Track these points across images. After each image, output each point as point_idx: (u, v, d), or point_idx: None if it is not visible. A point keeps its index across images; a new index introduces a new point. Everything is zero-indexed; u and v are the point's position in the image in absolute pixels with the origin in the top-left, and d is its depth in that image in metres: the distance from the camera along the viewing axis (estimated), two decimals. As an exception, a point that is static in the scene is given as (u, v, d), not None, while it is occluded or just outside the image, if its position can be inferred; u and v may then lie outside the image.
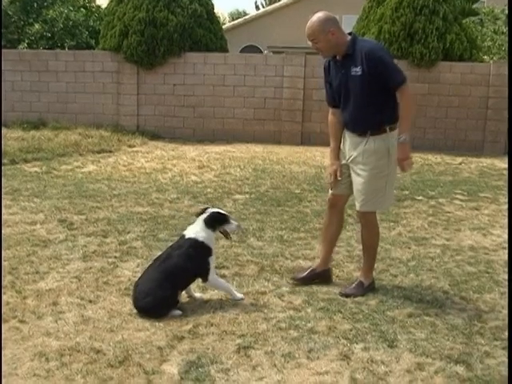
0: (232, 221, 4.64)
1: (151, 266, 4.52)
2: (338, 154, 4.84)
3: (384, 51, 4.58)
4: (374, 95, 4.51)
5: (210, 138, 13.91)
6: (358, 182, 4.68)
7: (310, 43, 4.56)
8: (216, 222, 4.53)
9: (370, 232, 4.86)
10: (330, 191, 4.97)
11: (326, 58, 4.71)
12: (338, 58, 4.59)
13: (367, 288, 4.80)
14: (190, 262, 4.39)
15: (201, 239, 4.45)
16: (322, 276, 5.01)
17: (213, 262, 4.53)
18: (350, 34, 4.60)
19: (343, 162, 4.79)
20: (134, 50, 13.87)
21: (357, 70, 4.45)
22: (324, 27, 4.42)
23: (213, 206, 4.88)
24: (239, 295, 4.59)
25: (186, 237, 4.51)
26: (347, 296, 4.69)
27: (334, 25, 4.47)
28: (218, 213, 4.59)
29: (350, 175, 4.78)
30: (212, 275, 4.48)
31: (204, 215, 4.55)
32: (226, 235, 4.66)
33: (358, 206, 4.74)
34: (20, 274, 4.97)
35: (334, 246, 5.20)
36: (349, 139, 4.73)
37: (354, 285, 4.82)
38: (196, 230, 4.50)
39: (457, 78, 13.58)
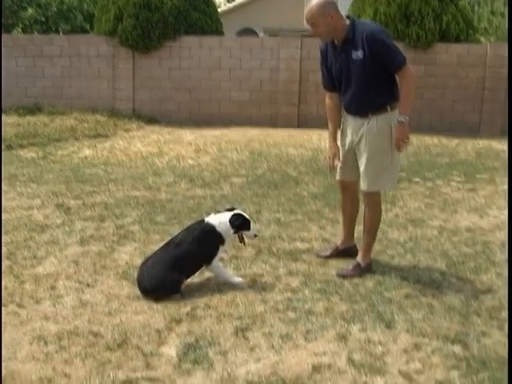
0: (252, 228, 4.71)
1: (163, 248, 4.57)
2: (336, 137, 4.86)
3: (385, 33, 4.56)
4: (374, 77, 4.53)
5: (207, 121, 13.87)
6: (363, 162, 4.71)
7: (309, 27, 4.55)
8: (240, 225, 4.60)
9: (373, 213, 4.89)
10: (337, 177, 5.02)
11: (324, 40, 4.70)
12: (336, 42, 4.59)
13: (364, 269, 4.82)
14: (203, 248, 4.46)
15: (219, 230, 4.53)
16: (345, 253, 5.13)
17: (221, 252, 4.59)
18: (348, 17, 4.58)
19: (347, 147, 4.83)
20: (129, 34, 13.76)
21: (358, 54, 4.45)
22: (323, 11, 4.41)
23: (237, 208, 4.89)
24: (237, 280, 4.61)
25: (206, 221, 4.61)
26: (344, 277, 4.71)
27: (333, 9, 4.45)
28: (245, 218, 4.64)
29: (352, 160, 4.83)
30: (215, 262, 4.52)
31: (231, 214, 4.61)
32: (242, 240, 4.73)
33: (363, 186, 4.78)
34: (18, 259, 4.98)
35: (355, 224, 5.22)
36: (351, 123, 4.76)
37: (351, 266, 4.84)
38: (219, 221, 4.56)
39: (453, 60, 13.52)
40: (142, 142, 11.16)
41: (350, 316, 4.06)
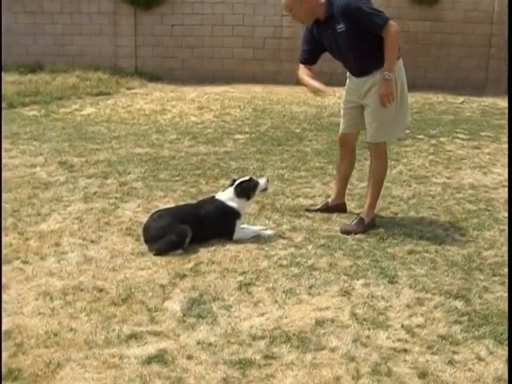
0: (259, 180, 4.74)
1: (178, 206, 4.71)
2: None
3: (357, 0, 4.54)
4: (365, 42, 4.58)
5: (209, 78, 13.73)
6: (368, 113, 4.78)
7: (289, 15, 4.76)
8: (247, 192, 4.64)
9: (379, 165, 4.92)
10: (340, 130, 5.13)
11: (308, 23, 4.83)
12: (320, 20, 4.66)
13: (368, 225, 4.83)
14: (217, 221, 4.53)
15: (230, 204, 4.58)
16: (336, 209, 5.20)
17: (239, 224, 4.62)
18: None
19: (353, 104, 4.93)
20: (130, -10, 13.57)
21: (341, 27, 4.54)
22: None
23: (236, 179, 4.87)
24: (268, 232, 4.70)
25: (216, 197, 4.68)
26: (348, 233, 4.72)
27: None
28: (247, 184, 4.65)
29: (357, 115, 4.91)
30: (237, 234, 4.57)
31: (234, 188, 4.63)
32: (265, 191, 4.82)
33: (369, 137, 4.86)
34: (22, 216, 4.99)
35: (347, 183, 5.33)
36: (356, 81, 4.84)
37: (354, 221, 4.86)
38: (228, 197, 4.61)
39: (459, 16, 13.31)
40: (144, 100, 11.08)
41: (353, 271, 4.09)
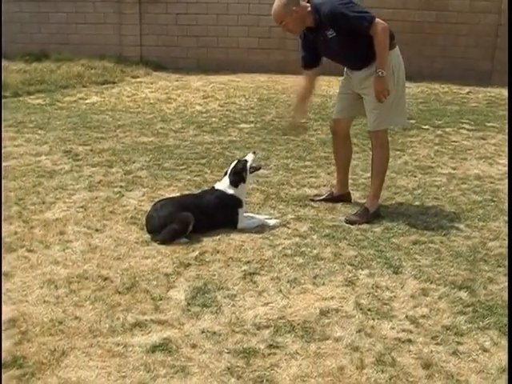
0: (246, 158, 4.74)
1: (180, 195, 4.72)
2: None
3: (341, 5, 4.53)
4: (357, 42, 4.60)
5: (214, 68, 13.70)
6: (367, 102, 4.79)
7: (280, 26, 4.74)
8: (239, 173, 4.64)
9: (381, 153, 4.92)
10: (333, 116, 5.21)
11: (298, 34, 4.89)
12: (311, 27, 4.69)
13: (372, 215, 4.82)
14: (219, 210, 4.54)
15: (230, 192, 4.60)
16: (340, 199, 5.22)
17: (242, 212, 4.63)
18: (308, 1, 4.65)
19: (349, 91, 4.96)
20: (134, -22, 13.53)
21: (331, 33, 4.59)
22: (287, 9, 4.59)
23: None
24: (273, 221, 4.71)
25: (216, 188, 4.69)
26: (352, 223, 4.72)
27: (294, 3, 4.60)
28: (238, 168, 4.65)
29: (352, 102, 4.96)
30: (241, 223, 4.59)
31: (228, 177, 4.66)
32: (258, 169, 4.84)
33: (370, 125, 4.86)
34: (27, 205, 5.00)
35: (348, 171, 5.33)
36: (354, 72, 4.87)
37: (359, 212, 4.85)
38: (226, 185, 4.63)
39: (466, 5, 13.19)
40: (149, 89, 11.07)
41: (357, 261, 4.08)
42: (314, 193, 5.42)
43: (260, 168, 4.89)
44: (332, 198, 5.21)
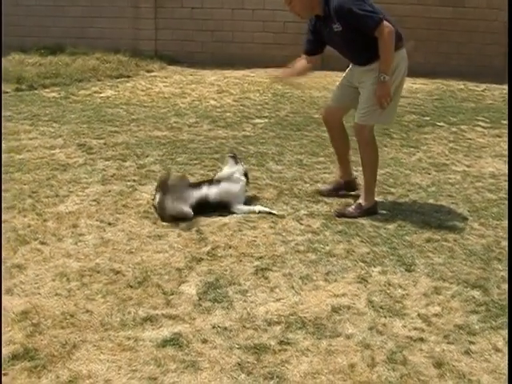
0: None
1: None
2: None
3: (350, 0, 4.51)
4: (362, 39, 4.58)
5: (229, 62, 13.67)
6: (361, 95, 4.79)
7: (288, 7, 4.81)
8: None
9: (365, 148, 4.86)
10: (327, 103, 5.32)
11: (305, 18, 4.98)
12: (319, 16, 4.72)
13: (366, 211, 4.80)
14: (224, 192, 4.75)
15: (236, 174, 4.89)
16: (347, 186, 5.28)
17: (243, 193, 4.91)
18: None
19: (348, 83, 5.01)
20: (150, -28, 13.52)
21: (337, 27, 4.56)
22: None
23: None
24: (258, 208, 4.85)
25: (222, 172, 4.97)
26: (342, 216, 4.75)
27: None
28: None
29: (349, 94, 4.98)
30: (240, 205, 4.81)
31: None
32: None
33: (357, 118, 4.83)
34: (40, 198, 5.02)
35: (347, 159, 5.32)
36: (356, 67, 4.88)
37: (353, 206, 4.86)
38: (232, 171, 4.93)
39: (483, 2, 13.08)
40: (163, 83, 11.06)
41: (370, 258, 4.07)
42: (328, 189, 5.41)
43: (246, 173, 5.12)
44: (339, 187, 5.26)
